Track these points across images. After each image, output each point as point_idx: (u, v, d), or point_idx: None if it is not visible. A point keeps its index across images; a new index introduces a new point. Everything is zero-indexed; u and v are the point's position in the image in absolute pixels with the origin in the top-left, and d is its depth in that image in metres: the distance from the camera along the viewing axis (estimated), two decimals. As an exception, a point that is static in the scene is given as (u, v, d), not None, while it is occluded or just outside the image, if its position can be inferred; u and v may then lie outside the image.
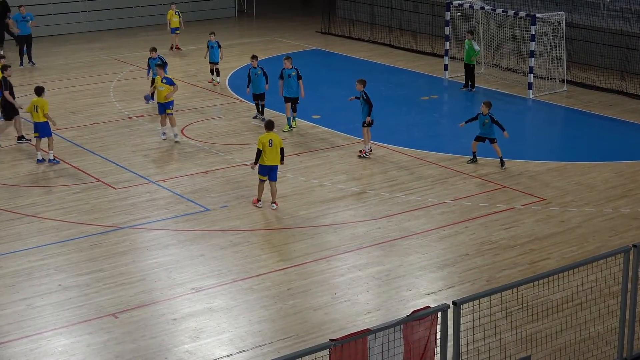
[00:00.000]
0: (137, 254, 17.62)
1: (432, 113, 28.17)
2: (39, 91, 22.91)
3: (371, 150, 23.09)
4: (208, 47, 31.05)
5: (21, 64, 34.26)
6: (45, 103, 22.72)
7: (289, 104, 25.43)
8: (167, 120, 24.63)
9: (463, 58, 30.53)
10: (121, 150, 23.99)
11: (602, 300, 14.23)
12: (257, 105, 26.51)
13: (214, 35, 31.20)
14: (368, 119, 22.72)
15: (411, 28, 39.48)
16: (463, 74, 30.89)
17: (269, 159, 19.41)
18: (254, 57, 26.47)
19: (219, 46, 30.86)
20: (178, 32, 36.81)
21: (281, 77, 25.49)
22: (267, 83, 26.20)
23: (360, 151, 23.04)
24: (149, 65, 28.49)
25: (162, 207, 19.85)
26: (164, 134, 24.85)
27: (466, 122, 22.80)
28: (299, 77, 25.33)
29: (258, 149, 19.40)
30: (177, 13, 36.67)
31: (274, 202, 19.75)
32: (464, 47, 30.16)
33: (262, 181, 19.67)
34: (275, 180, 19.73)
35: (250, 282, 16.24)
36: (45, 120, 22.60)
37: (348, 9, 43.11)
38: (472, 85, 29.94)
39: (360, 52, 36.77)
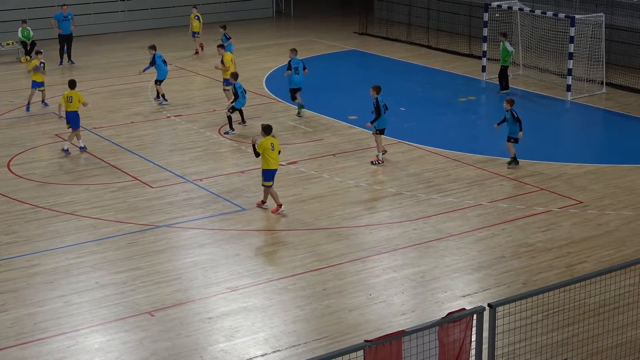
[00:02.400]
0: (174, 252, 17.72)
1: (469, 114, 28.07)
2: (73, 84, 23.87)
3: (382, 161, 22.67)
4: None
5: (61, 63, 34.58)
6: (80, 95, 23.74)
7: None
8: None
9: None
10: (159, 149, 24.14)
11: (639, 304, 14.10)
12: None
13: (224, 28, 32.70)
14: (369, 124, 22.65)
15: (449, 29, 39.34)
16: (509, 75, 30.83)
17: (274, 163, 19.32)
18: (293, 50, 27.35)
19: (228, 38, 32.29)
20: (198, 36, 36.53)
21: (289, 68, 26.75)
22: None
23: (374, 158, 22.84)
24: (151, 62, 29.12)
25: (198, 206, 19.95)
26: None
27: (498, 124, 22.75)
28: (304, 68, 26.78)
29: (258, 153, 19.28)
30: (196, 18, 36.40)
31: (265, 202, 19.79)
32: (499, 50, 29.93)
33: (270, 187, 19.46)
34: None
35: (285, 282, 16.27)
36: (76, 110, 23.38)
37: (385, 10, 43.05)
38: (505, 87, 29.69)
39: (398, 53, 36.71)
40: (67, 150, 23.46)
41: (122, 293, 15.87)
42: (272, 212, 19.44)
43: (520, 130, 22.11)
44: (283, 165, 22.38)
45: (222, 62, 27.57)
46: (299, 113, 27.03)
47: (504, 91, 29.63)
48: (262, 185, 19.53)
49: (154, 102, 28.48)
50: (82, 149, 23.71)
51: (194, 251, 17.71)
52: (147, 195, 20.70)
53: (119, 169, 22.45)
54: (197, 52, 36.43)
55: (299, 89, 26.80)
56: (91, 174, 22.22)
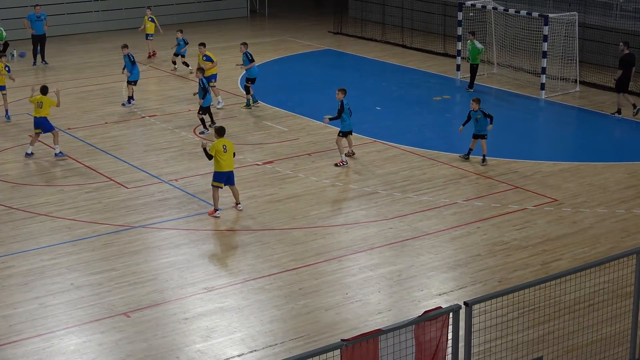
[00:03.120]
0: (149, 253, 17.66)
1: (444, 113, 28.14)
2: (45, 90, 23.44)
3: (346, 162, 22.49)
4: (178, 44, 32.65)
5: (34, 63, 34.37)
6: (52, 100, 23.41)
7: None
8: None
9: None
10: (133, 149, 24.05)
11: (614, 301, 14.19)
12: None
13: (181, 32, 32.78)
14: (326, 120, 22.94)
15: (423, 28, 39.43)
16: (478, 74, 30.89)
17: (226, 165, 19.09)
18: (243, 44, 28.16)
19: (186, 42, 32.67)
20: (152, 38, 35.78)
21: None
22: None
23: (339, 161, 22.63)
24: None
25: (174, 207, 19.89)
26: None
27: (463, 125, 22.82)
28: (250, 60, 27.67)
29: (210, 155, 19.05)
30: (150, 19, 35.62)
31: (238, 203, 19.61)
32: (467, 49, 30.06)
33: (217, 188, 19.23)
34: (234, 184, 19.53)
35: (261, 281, 16.26)
36: (45, 116, 23.11)
37: (360, 9, 43.10)
38: (471, 85, 29.87)
39: (372, 52, 36.77)
40: (31, 153, 23.27)
41: (97, 294, 15.79)
42: (208, 214, 19.35)
43: (491, 123, 22.32)
44: (259, 165, 22.41)
45: (208, 59, 27.63)
46: (256, 102, 27.94)
47: (470, 89, 29.74)
48: (211, 184, 19.35)
49: (125, 106, 28.25)
50: (58, 155, 23.22)
51: (169, 252, 17.66)
52: (122, 196, 20.62)
53: (94, 170, 22.35)
54: (150, 56, 35.67)
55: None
56: (65, 175, 22.11)
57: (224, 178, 19.19)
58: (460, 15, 31.95)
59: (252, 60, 27.66)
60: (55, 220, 19.22)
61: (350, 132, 22.72)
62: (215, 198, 19.30)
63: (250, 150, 23.83)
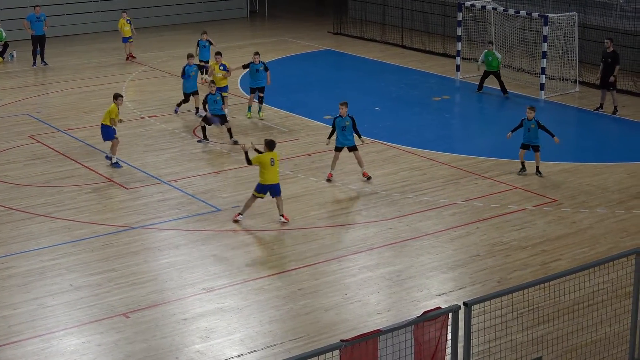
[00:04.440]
0: (149, 254, 17.66)
1: (443, 114, 28.15)
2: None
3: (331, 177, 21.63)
4: (198, 45, 30.93)
5: (34, 64, 34.36)
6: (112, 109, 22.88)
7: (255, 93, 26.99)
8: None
9: (477, 60, 30.50)
10: (133, 150, 24.04)
11: (613, 301, 14.19)
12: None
13: (206, 34, 31.19)
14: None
15: (423, 28, 39.44)
16: (476, 74, 30.90)
17: (270, 178, 18.75)
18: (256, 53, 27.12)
19: (211, 43, 30.92)
20: (131, 40, 35.40)
21: (247, 67, 26.97)
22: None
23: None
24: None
25: (173, 207, 19.89)
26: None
27: (512, 132, 22.02)
28: (266, 69, 26.73)
29: (250, 162, 18.79)
30: (128, 22, 35.19)
31: (282, 215, 19.04)
32: (482, 56, 29.73)
33: (255, 198, 18.94)
34: (280, 195, 19.04)
35: (261, 282, 16.26)
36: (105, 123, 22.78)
37: (359, 10, 43.10)
38: (505, 91, 29.49)
39: (372, 52, 36.77)
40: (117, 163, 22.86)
41: (97, 295, 15.79)
42: (233, 218, 19.13)
43: (553, 135, 21.80)
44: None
45: (225, 68, 26.78)
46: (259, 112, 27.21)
47: (479, 91, 29.65)
48: (253, 194, 18.96)
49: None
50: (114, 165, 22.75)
51: (169, 252, 17.66)
52: (121, 197, 20.62)
53: (93, 171, 22.35)
54: (127, 58, 35.37)
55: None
56: (65, 175, 22.10)
57: (266, 190, 18.87)
58: (459, 16, 31.95)
59: (268, 69, 26.96)
60: (54, 221, 19.22)
61: (340, 149, 21.42)
62: (248, 205, 18.97)
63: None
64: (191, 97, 27.08)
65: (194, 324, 14.77)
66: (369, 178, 21.44)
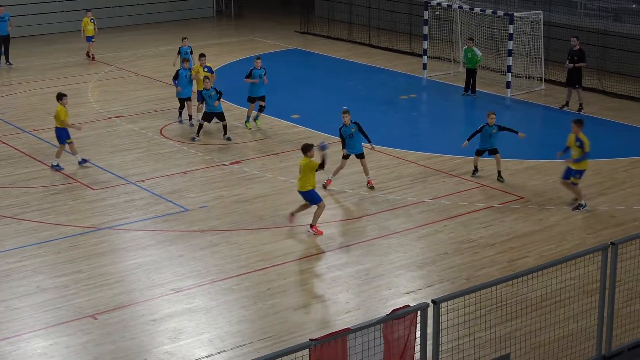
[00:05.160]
0: (116, 255, 17.56)
1: (410, 112, 28.21)
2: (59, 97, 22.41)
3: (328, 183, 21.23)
4: (179, 52, 28.67)
5: (-2, 64, 34.10)
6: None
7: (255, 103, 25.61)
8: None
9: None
10: (99, 150, 23.90)
11: (580, 297, 14.28)
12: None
13: (187, 40, 29.24)
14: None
15: (390, 27, 39.52)
16: (442, 73, 31.03)
17: (298, 185, 18.47)
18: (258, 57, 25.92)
19: (192, 52, 28.54)
20: (94, 40, 35.10)
21: (250, 76, 25.37)
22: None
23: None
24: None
25: (140, 208, 19.79)
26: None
27: (469, 140, 21.50)
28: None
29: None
30: (92, 21, 34.95)
31: (311, 226, 18.40)
32: (461, 53, 29.80)
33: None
34: (310, 204, 18.42)
35: (229, 282, 16.21)
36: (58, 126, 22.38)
37: (326, 9, 43.12)
38: (473, 90, 29.56)
39: (339, 51, 36.80)
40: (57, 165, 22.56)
41: (64, 297, 15.68)
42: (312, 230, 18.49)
43: (516, 132, 21.62)
44: (226, 165, 22.37)
45: (210, 70, 25.99)
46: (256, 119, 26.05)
47: (466, 93, 29.49)
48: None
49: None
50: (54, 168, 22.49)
51: (136, 253, 17.57)
52: (88, 198, 20.49)
53: (60, 172, 22.17)
54: (89, 56, 35.07)
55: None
56: (31, 176, 21.92)
57: (301, 194, 18.50)
58: (426, 15, 32.04)
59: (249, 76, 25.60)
60: (20, 222, 19.06)
61: (348, 156, 21.01)
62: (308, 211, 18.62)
63: (217, 150, 23.76)
64: (185, 103, 25.90)
65: (162, 325, 14.71)
66: (372, 187, 20.88)
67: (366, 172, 21.08)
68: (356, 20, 40.89)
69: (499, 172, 21.56)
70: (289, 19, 43.95)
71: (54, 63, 34.89)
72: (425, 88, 31.29)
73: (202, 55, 26.53)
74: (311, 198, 18.34)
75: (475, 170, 21.82)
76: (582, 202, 19.62)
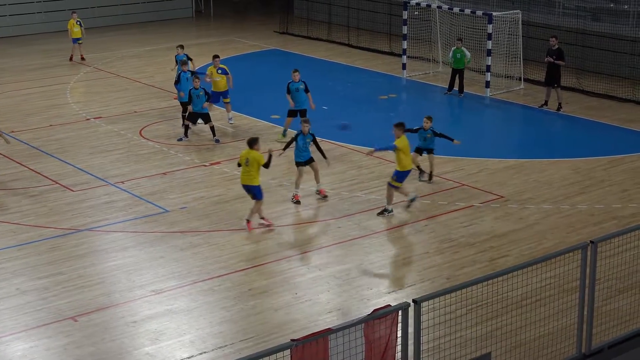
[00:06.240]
0: (96, 256, 17.50)
1: (390, 112, 28.24)
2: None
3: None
4: (177, 61, 27.64)
5: (-24, 66, 33.92)
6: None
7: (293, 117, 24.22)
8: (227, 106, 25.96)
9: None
10: (79, 152, 23.80)
11: (560, 296, 14.34)
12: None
13: (182, 48, 28.27)
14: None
15: (369, 27, 39.56)
16: (422, 72, 31.09)
17: (241, 178, 18.72)
18: (295, 70, 24.55)
19: (189, 58, 27.30)
20: (81, 42, 34.85)
21: (288, 91, 24.26)
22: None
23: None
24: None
25: (120, 209, 19.72)
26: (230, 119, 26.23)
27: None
28: (306, 90, 24.19)
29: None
30: (78, 23, 34.75)
31: (262, 218, 18.75)
32: (450, 54, 29.81)
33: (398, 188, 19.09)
34: (254, 199, 18.63)
35: (210, 283, 16.19)
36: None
37: (305, 9, 43.12)
38: (461, 90, 29.57)
39: (319, 51, 36.80)
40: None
41: (44, 299, 15.61)
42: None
43: (452, 139, 21.48)
44: (207, 165, 22.34)
45: (224, 72, 25.73)
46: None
47: (450, 93, 29.48)
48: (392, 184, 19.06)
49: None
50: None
51: (116, 254, 17.51)
52: (67, 199, 20.40)
53: (39, 173, 22.09)
54: (71, 58, 34.82)
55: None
56: (10, 178, 21.81)
57: (244, 189, 18.75)
58: (405, 14, 32.09)
59: (309, 91, 24.36)
60: (-1, 224, 18.99)
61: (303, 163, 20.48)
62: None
63: (197, 150, 23.72)
64: (188, 108, 24.80)
65: (143, 327, 14.67)
66: (324, 197, 20.50)
67: (317, 179, 20.56)
68: (335, 20, 40.92)
69: (430, 172, 21.40)
70: (268, 19, 43.92)
71: (31, 64, 34.72)
72: (405, 88, 31.35)
73: (215, 57, 26.21)
74: (258, 192, 18.60)
75: (421, 171, 21.52)
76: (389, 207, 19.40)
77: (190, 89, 24.21)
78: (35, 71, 33.52)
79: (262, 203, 18.70)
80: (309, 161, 20.46)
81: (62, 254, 17.48)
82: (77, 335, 14.39)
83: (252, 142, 18.61)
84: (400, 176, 19.02)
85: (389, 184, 19.19)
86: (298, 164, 20.42)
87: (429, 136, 21.32)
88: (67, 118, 27.10)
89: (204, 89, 24.27)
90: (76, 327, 14.64)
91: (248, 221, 18.64)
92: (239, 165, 18.82)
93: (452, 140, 21.47)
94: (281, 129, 24.87)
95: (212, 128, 24.45)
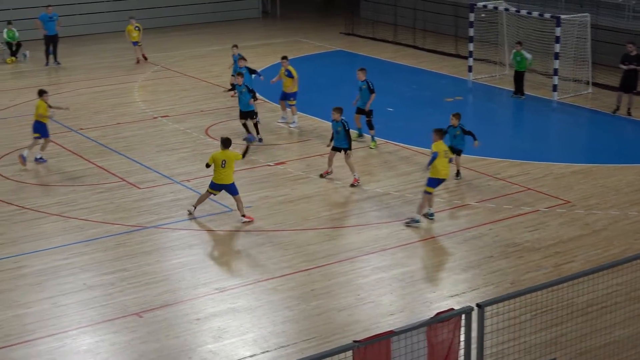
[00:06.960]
0: (161, 253, 17.69)
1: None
2: (40, 93, 23.14)
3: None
4: (234, 60, 28.18)
5: (47, 63, 34.46)
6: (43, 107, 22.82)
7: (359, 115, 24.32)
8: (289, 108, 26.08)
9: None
10: (145, 150, 24.08)
11: (627, 304, 14.16)
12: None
13: (237, 47, 29.03)
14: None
15: (435, 29, 39.41)
16: (488, 75, 30.86)
17: (221, 178, 18.88)
18: (362, 69, 24.34)
19: (243, 58, 27.14)
20: (140, 44, 35.08)
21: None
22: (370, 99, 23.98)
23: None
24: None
25: (186, 207, 19.87)
26: (282, 118, 26.41)
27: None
28: (371, 91, 23.86)
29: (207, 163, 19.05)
30: (136, 28, 34.96)
31: (243, 215, 19.00)
32: (510, 57, 29.62)
33: (209, 193, 19.19)
34: (237, 194, 19.02)
35: (273, 282, 16.26)
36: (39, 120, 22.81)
37: (371, 10, 43.08)
38: (522, 92, 29.32)
39: (384, 53, 36.74)
40: (41, 158, 22.98)
41: (110, 294, 15.82)
42: (189, 213, 19.35)
43: (475, 139, 21.27)
44: (271, 165, 22.43)
45: (289, 74, 25.78)
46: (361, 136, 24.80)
47: (516, 96, 29.27)
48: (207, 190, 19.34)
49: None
50: (38, 160, 22.89)
51: (181, 252, 17.68)
52: (134, 197, 20.65)
53: (106, 170, 22.39)
54: (138, 61, 34.98)
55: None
56: (78, 175, 22.14)
57: (218, 188, 19.10)
58: (472, 17, 31.89)
59: (373, 91, 23.92)
60: (67, 220, 19.26)
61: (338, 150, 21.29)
62: (201, 200, 19.32)
63: (262, 150, 23.83)
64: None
65: (206, 324, 14.79)
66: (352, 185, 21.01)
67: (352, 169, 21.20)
68: (401, 22, 40.80)
69: (457, 170, 21.52)
70: (334, 20, 43.95)
71: (101, 63, 35.21)
72: (470, 90, 31.15)
73: (284, 58, 26.21)
74: (235, 189, 18.99)
75: (457, 172, 21.59)
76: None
77: (235, 85, 24.21)
78: (104, 69, 33.99)
79: (239, 196, 19.03)
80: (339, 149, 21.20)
81: (128, 251, 17.70)
82: (141, 331, 14.55)
83: (227, 143, 19.03)
84: (432, 183, 18.84)
85: (424, 192, 19.01)
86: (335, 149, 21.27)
87: (458, 133, 21.21)
88: (134, 116, 27.43)
89: (246, 85, 24.33)
90: (141, 323, 14.81)
91: (244, 215, 18.94)
92: (207, 166, 19.05)
93: (475, 139, 21.24)
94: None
95: (255, 125, 24.47)
